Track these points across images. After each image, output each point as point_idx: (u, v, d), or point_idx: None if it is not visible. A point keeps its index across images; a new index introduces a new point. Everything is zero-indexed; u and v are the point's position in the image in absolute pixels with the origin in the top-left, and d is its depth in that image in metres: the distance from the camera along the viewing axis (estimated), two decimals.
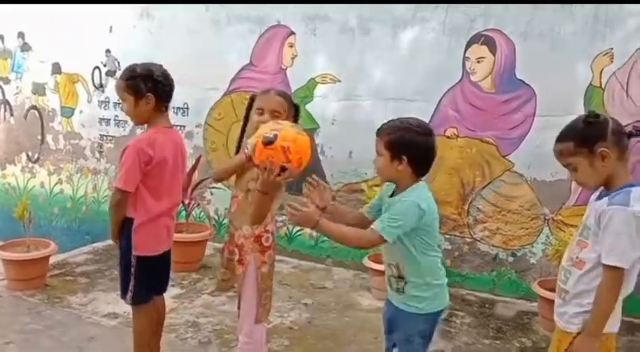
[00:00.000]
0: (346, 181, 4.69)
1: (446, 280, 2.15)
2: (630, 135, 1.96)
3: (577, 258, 1.93)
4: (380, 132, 2.08)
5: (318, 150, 4.76)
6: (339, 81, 4.61)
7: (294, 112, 2.49)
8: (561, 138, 1.95)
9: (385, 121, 2.10)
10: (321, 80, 4.67)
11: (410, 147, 2.02)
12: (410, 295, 2.06)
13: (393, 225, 1.94)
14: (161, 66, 2.59)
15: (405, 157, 2.00)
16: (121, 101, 2.69)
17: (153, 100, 2.49)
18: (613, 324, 1.90)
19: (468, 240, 4.36)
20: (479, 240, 4.31)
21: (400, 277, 2.07)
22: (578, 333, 1.92)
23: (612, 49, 3.84)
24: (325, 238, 4.83)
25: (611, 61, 3.85)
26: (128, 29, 5.37)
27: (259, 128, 2.10)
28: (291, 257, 4.88)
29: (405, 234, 1.97)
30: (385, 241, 1.95)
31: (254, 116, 2.40)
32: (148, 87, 2.47)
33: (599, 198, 1.94)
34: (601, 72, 3.87)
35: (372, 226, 2.00)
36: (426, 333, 2.12)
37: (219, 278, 2.77)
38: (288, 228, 4.97)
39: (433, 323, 2.13)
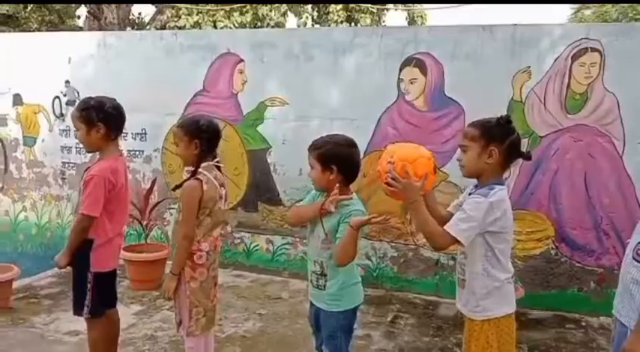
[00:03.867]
0: (298, 197, 4.95)
1: (360, 278, 2.44)
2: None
3: (465, 250, 2.24)
4: (311, 147, 2.38)
5: (271, 168, 5.05)
6: (287, 104, 4.92)
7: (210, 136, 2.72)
8: (473, 123, 2.26)
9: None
10: (271, 103, 4.97)
11: (337, 158, 2.32)
12: (329, 293, 2.34)
13: None
14: (114, 99, 2.86)
15: (334, 167, 2.31)
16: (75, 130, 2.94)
17: (103, 129, 2.75)
18: None
19: (412, 246, 4.67)
20: (422, 247, 4.63)
21: (323, 274, 2.35)
22: (482, 320, 2.23)
23: (530, 66, 4.24)
24: (282, 251, 5.11)
25: (529, 78, 4.25)
26: (86, 59, 5.58)
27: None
28: (250, 271, 5.12)
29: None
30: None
31: None
32: (99, 117, 2.73)
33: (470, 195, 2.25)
34: (521, 87, 4.26)
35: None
36: (346, 328, 2.39)
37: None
38: (245, 244, 5.22)
39: (352, 318, 2.41)
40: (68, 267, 2.80)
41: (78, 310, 2.81)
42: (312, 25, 15.56)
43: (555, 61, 4.17)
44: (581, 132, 4.17)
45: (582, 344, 3.77)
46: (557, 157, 4.22)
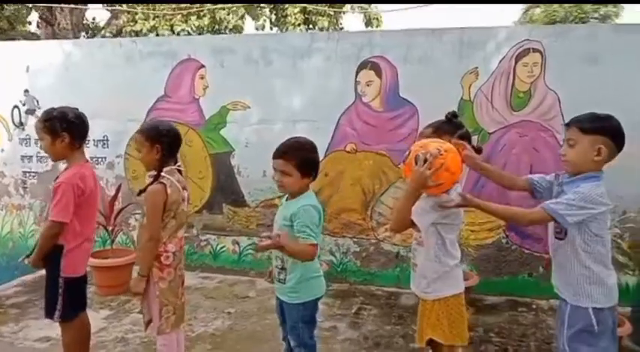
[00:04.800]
0: (262, 198, 5.11)
1: (322, 272, 2.61)
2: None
3: (420, 237, 2.44)
4: (283, 154, 2.46)
5: (235, 171, 5.17)
6: (249, 107, 5.05)
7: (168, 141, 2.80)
8: (427, 125, 2.54)
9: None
10: (233, 107, 5.09)
11: (315, 164, 2.50)
12: (289, 286, 2.50)
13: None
14: (76, 109, 2.94)
15: (313, 173, 2.46)
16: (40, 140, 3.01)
17: (68, 139, 2.83)
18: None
19: (373, 241, 4.88)
20: (382, 241, 4.84)
21: (283, 269, 2.51)
22: (433, 300, 2.44)
23: (477, 67, 4.51)
24: (248, 252, 5.24)
25: (477, 78, 4.51)
26: (45, 67, 5.57)
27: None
28: (217, 273, 5.22)
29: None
30: None
31: None
32: (62, 127, 2.82)
33: None
34: (469, 87, 4.53)
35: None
36: (308, 318, 2.55)
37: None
38: (212, 246, 5.32)
39: (313, 309, 2.57)
40: (39, 272, 2.87)
41: (50, 314, 2.88)
42: (271, 28, 15.65)
43: (500, 61, 4.45)
44: (526, 127, 4.46)
45: (533, 325, 4.04)
46: (505, 152, 4.50)
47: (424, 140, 2.37)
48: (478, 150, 2.52)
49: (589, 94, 4.20)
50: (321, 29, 14.31)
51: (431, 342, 2.52)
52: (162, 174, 2.74)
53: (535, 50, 4.38)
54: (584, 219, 2.12)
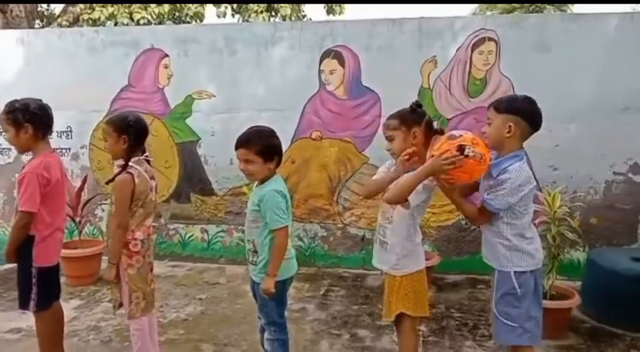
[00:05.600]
0: (230, 186, 5.19)
1: (293, 254, 2.73)
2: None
3: (391, 217, 2.59)
4: (245, 144, 2.57)
5: (202, 159, 5.23)
6: (215, 96, 5.10)
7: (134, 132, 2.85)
8: (391, 116, 2.64)
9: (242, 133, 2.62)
10: (198, 96, 5.13)
11: (275, 148, 2.60)
12: (259, 268, 2.62)
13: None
14: (39, 100, 2.95)
15: (276, 157, 2.57)
16: (4, 132, 3.02)
17: (31, 129, 2.85)
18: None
19: (340, 225, 5.04)
20: (348, 225, 5.01)
21: (255, 251, 2.63)
22: (401, 276, 2.59)
23: (435, 56, 4.68)
24: (217, 239, 5.32)
25: (436, 66, 4.69)
26: (3, 58, 5.46)
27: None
28: (186, 261, 5.29)
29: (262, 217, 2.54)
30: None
31: None
32: (25, 118, 2.83)
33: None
34: (429, 75, 4.70)
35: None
36: (277, 298, 2.67)
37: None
38: (180, 235, 5.37)
39: (283, 289, 2.69)
40: (3, 265, 2.88)
41: (24, 304, 2.90)
42: (232, 16, 15.52)
43: (457, 50, 4.64)
44: (483, 113, 4.53)
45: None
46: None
47: (477, 137, 2.40)
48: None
49: (541, 80, 4.46)
50: (284, 17, 14.28)
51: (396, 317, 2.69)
52: (130, 163, 2.79)
53: (490, 39, 4.58)
54: (517, 200, 2.34)
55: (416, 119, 2.57)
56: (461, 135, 2.36)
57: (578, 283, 4.16)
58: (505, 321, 2.44)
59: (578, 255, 4.62)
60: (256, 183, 2.70)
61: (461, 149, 2.29)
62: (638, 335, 3.63)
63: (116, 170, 2.84)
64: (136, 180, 2.76)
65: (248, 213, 2.68)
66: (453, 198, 2.47)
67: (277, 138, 2.67)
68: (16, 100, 2.92)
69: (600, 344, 3.54)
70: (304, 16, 15.09)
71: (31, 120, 2.84)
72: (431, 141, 2.62)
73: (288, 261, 2.69)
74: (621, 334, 3.65)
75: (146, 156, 2.93)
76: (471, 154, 2.28)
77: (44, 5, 14.90)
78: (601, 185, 4.58)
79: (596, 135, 4.50)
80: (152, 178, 2.92)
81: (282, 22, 11.87)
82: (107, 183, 2.94)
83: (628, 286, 3.67)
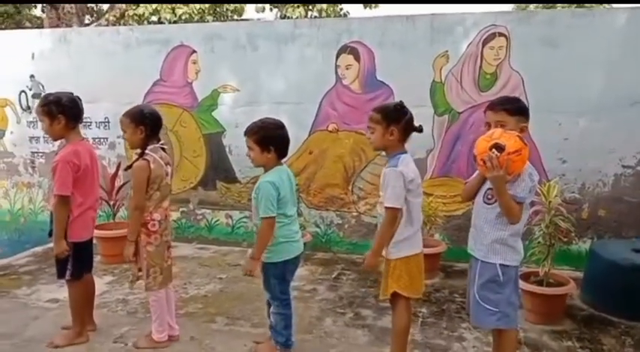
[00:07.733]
0: (252, 175, 5.50)
1: (297, 238, 3.00)
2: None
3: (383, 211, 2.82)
4: (248, 132, 2.91)
5: (227, 150, 5.57)
6: (238, 90, 5.42)
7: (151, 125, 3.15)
8: (376, 109, 2.84)
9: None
10: (223, 90, 5.47)
11: (272, 139, 2.86)
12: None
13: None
14: (71, 93, 3.32)
15: (272, 147, 2.85)
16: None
17: (63, 120, 3.21)
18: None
19: (354, 214, 5.28)
20: (362, 213, 5.25)
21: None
22: (396, 259, 2.81)
23: (447, 51, 4.84)
24: (240, 224, 5.65)
25: (447, 61, 4.85)
26: (49, 54, 5.95)
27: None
28: (212, 244, 5.66)
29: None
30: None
31: None
32: (58, 110, 3.19)
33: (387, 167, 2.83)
34: (440, 70, 4.86)
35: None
36: (278, 276, 2.97)
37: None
38: (207, 220, 5.75)
39: (283, 269, 2.98)
40: (48, 244, 3.21)
41: (62, 275, 3.30)
42: (271, 9, 15.84)
43: (469, 45, 4.78)
44: None
45: None
46: (474, 130, 4.84)
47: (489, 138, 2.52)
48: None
49: (551, 75, 4.56)
50: (320, 11, 14.51)
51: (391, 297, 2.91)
52: (147, 151, 3.12)
53: (500, 34, 4.70)
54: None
55: (396, 117, 2.74)
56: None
57: (580, 274, 4.27)
58: (487, 306, 2.60)
59: (586, 246, 4.71)
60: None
61: (497, 147, 2.43)
62: (632, 323, 3.73)
63: (135, 157, 3.18)
64: (152, 166, 3.08)
65: (252, 200, 2.99)
66: (506, 199, 2.53)
67: (281, 129, 2.93)
68: (50, 94, 3.30)
69: (594, 330, 3.66)
70: (341, 10, 15.28)
71: (63, 112, 3.20)
72: (408, 137, 2.79)
73: (285, 244, 2.96)
74: (616, 322, 3.77)
75: (162, 144, 3.25)
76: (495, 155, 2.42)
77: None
78: (610, 178, 4.64)
79: (606, 128, 4.57)
80: (167, 164, 3.24)
81: (302, 19, 12.10)
82: (126, 169, 3.29)
83: (626, 276, 3.78)
